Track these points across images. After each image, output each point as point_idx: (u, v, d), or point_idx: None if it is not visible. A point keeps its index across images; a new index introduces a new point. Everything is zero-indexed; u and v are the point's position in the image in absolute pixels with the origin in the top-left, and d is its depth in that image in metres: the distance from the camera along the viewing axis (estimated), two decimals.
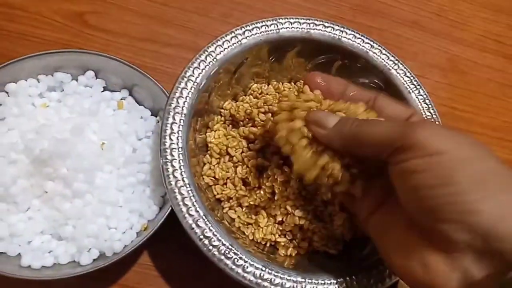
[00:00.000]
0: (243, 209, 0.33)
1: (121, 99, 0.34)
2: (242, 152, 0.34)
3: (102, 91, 0.33)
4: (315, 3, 0.47)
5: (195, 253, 0.33)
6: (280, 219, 0.32)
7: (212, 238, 0.28)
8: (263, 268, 0.27)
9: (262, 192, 0.32)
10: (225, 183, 0.33)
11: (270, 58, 0.37)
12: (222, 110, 0.36)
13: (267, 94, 0.37)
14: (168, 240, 0.33)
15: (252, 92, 0.37)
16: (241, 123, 0.35)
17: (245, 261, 0.27)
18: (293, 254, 0.32)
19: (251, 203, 0.33)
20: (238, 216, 0.33)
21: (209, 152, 0.34)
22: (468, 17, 0.52)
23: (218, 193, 0.33)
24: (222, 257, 0.27)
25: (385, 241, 0.25)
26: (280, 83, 0.38)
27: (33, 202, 0.29)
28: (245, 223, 0.33)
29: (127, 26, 0.41)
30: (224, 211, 0.33)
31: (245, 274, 0.27)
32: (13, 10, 0.40)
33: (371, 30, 0.47)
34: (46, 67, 0.32)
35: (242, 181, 0.33)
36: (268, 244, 0.33)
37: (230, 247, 0.28)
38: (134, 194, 0.31)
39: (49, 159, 0.28)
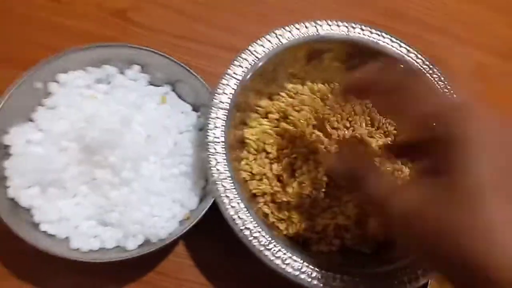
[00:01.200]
0: (276, 205, 0.34)
1: (164, 94, 0.35)
2: (278, 149, 0.35)
3: (146, 86, 0.35)
4: (349, 7, 0.48)
5: (230, 246, 0.34)
6: (313, 216, 0.33)
7: (253, 229, 0.29)
8: (301, 261, 0.28)
9: (295, 189, 0.33)
10: (261, 179, 0.34)
11: (307, 59, 0.38)
12: (258, 108, 0.37)
13: (302, 94, 0.38)
14: (203, 232, 0.34)
15: (287, 92, 0.38)
16: (276, 121, 0.37)
17: (284, 253, 0.28)
18: (325, 250, 0.33)
19: (284, 199, 0.34)
20: (272, 212, 0.34)
21: (246, 148, 0.35)
22: (490, 23, 0.52)
23: (254, 188, 0.34)
24: (262, 248, 0.28)
25: None
26: (315, 84, 0.39)
27: (81, 188, 0.30)
28: (279, 219, 0.34)
29: (167, 23, 0.43)
30: (258, 206, 0.34)
31: (284, 266, 0.28)
32: (60, 4, 0.42)
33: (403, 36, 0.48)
34: (94, 59, 0.33)
35: (277, 178, 0.35)
36: (300, 240, 0.33)
37: (269, 239, 0.29)
38: (176, 185, 0.32)
39: (99, 148, 0.29)
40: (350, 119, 0.37)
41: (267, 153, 0.35)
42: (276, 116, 0.36)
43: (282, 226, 0.33)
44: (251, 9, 0.45)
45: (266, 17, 0.45)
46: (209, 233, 0.34)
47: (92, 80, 0.33)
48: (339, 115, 0.37)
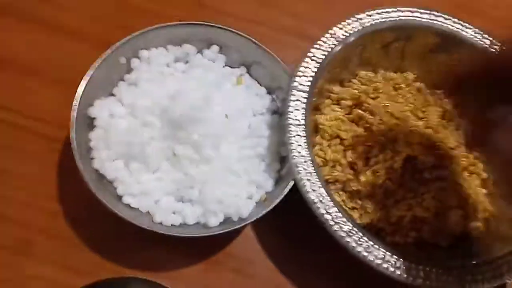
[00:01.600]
0: (347, 194, 0.34)
1: (240, 75, 0.35)
2: (353, 136, 0.34)
3: (223, 66, 0.35)
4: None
5: (300, 232, 0.34)
6: (388, 207, 0.33)
7: (335, 215, 0.28)
8: (384, 250, 0.28)
9: (368, 178, 0.33)
10: (334, 166, 0.34)
11: (383, 46, 0.37)
12: (331, 94, 0.37)
13: (376, 81, 0.37)
14: (274, 216, 0.34)
15: (360, 78, 0.38)
16: (349, 108, 0.36)
17: (367, 241, 0.28)
18: (400, 242, 0.32)
19: (355, 188, 0.33)
20: (343, 200, 0.33)
21: (320, 133, 0.35)
22: None
23: (326, 175, 0.33)
24: (344, 234, 0.28)
25: None
26: (388, 72, 0.38)
27: (163, 164, 0.30)
28: (352, 207, 0.33)
29: (239, 8, 0.43)
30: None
31: (367, 254, 0.27)
32: None
33: None
34: (174, 38, 0.34)
35: (350, 165, 0.34)
36: (374, 230, 0.33)
37: (351, 225, 0.28)
38: (252, 166, 0.32)
39: (183, 124, 0.29)
40: (423, 109, 0.36)
41: (341, 139, 0.34)
42: (349, 103, 0.36)
43: (355, 214, 0.33)
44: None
45: (335, 5, 0.45)
46: (277, 218, 0.34)
47: (172, 59, 0.33)
48: (411, 104, 0.36)
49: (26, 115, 0.36)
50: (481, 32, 0.36)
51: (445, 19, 0.35)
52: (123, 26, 0.39)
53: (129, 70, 0.32)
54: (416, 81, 0.38)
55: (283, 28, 0.42)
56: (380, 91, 0.36)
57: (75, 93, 0.34)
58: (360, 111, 0.34)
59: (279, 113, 0.34)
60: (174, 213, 0.30)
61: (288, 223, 0.34)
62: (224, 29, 0.34)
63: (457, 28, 0.35)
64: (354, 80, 0.37)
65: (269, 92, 0.35)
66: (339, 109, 0.36)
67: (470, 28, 0.36)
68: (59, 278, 0.32)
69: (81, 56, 0.38)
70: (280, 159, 0.33)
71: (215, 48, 0.34)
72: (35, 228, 0.33)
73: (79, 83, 0.32)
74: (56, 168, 0.35)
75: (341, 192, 0.34)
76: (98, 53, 0.38)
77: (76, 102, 0.29)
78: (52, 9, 0.40)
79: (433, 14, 0.35)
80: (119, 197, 0.30)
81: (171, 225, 0.29)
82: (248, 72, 0.35)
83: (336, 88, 0.37)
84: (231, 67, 0.35)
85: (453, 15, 0.36)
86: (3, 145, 0.35)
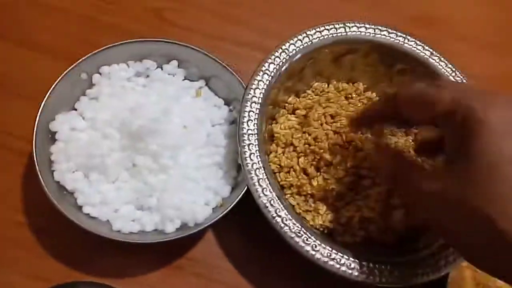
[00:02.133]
0: (301, 197, 0.36)
1: (199, 88, 0.37)
2: (305, 144, 0.36)
3: (183, 80, 0.37)
4: (377, 14, 0.49)
5: (257, 235, 0.36)
6: (338, 208, 0.35)
7: (284, 217, 0.30)
8: (330, 248, 0.30)
9: (320, 183, 0.35)
10: (288, 171, 0.36)
11: (334, 59, 0.39)
12: (286, 104, 0.39)
13: (328, 92, 0.40)
14: (231, 221, 0.36)
15: (314, 89, 0.40)
16: (302, 117, 0.38)
17: (314, 241, 0.30)
18: (350, 241, 0.34)
19: (309, 192, 0.35)
20: (298, 203, 0.35)
21: (275, 141, 0.37)
22: None
23: (282, 180, 0.35)
24: (293, 235, 0.30)
25: None
26: (340, 83, 0.41)
27: (122, 174, 0.32)
28: (305, 210, 0.35)
29: (201, 24, 0.45)
30: (285, 197, 0.36)
31: (314, 253, 0.29)
32: (101, 2, 0.44)
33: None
34: (135, 54, 0.35)
35: (303, 170, 0.36)
36: (325, 231, 0.35)
37: (300, 227, 0.30)
38: (210, 174, 0.33)
39: (142, 136, 0.31)
40: None
41: (295, 147, 0.36)
42: (303, 112, 0.38)
43: (308, 217, 0.35)
44: (282, 12, 0.47)
45: (294, 20, 0.47)
46: (237, 222, 0.36)
47: (133, 73, 0.35)
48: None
49: None
50: (422, 44, 0.39)
51: (389, 32, 0.38)
52: (86, 40, 0.41)
53: (91, 85, 0.34)
54: (366, 91, 0.41)
55: (244, 43, 0.45)
56: (331, 100, 0.38)
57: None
58: (311, 120, 0.37)
59: (236, 123, 0.36)
60: (133, 220, 0.31)
61: (247, 227, 0.36)
62: (183, 45, 0.36)
63: (398, 41, 0.38)
64: (308, 91, 0.40)
65: (226, 104, 0.37)
66: (294, 119, 0.38)
67: (412, 40, 0.38)
68: (26, 286, 0.33)
69: (46, 70, 0.39)
70: (237, 166, 0.35)
71: (174, 63, 0.36)
72: (1, 238, 0.34)
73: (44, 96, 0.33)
74: (21, 180, 0.36)
75: (296, 196, 0.36)
76: (63, 67, 0.39)
77: (38, 117, 0.30)
78: (17, 24, 0.41)
79: (378, 29, 0.38)
80: (80, 207, 0.31)
81: (130, 232, 0.30)
82: (207, 84, 0.37)
83: (291, 99, 0.39)
84: (190, 80, 0.37)
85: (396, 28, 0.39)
86: None
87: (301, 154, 0.36)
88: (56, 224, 0.33)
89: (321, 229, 0.35)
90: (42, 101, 0.31)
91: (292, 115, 0.39)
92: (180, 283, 0.35)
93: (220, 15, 0.46)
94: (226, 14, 0.46)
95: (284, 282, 0.35)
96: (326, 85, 0.40)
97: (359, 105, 0.39)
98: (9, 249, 0.34)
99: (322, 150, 0.35)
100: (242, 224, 0.36)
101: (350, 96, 0.40)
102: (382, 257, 0.32)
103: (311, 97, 0.39)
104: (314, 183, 0.35)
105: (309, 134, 0.36)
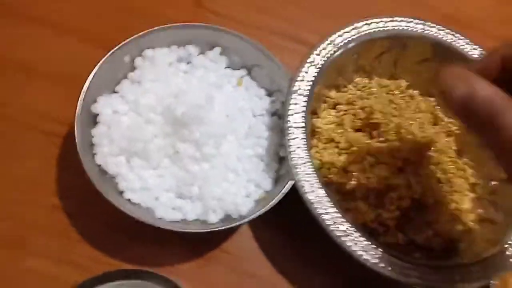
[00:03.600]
0: (342, 195, 0.35)
1: (240, 77, 0.36)
2: (347, 140, 0.35)
3: (225, 68, 0.35)
4: (411, 9, 0.48)
5: (296, 232, 0.35)
6: (379, 208, 0.34)
7: (333, 215, 0.29)
8: (381, 250, 0.29)
9: (361, 181, 0.34)
10: (329, 168, 0.35)
11: (378, 54, 0.38)
12: (327, 99, 0.38)
13: (370, 88, 0.39)
14: (270, 215, 0.35)
15: (355, 84, 0.39)
16: (344, 112, 0.37)
17: (363, 241, 0.29)
18: (392, 242, 0.33)
19: (350, 190, 0.34)
20: (338, 201, 0.34)
21: (316, 136, 0.36)
22: None
23: (323, 176, 0.34)
24: (341, 234, 0.29)
25: None
26: (382, 79, 0.39)
27: (164, 160, 0.31)
28: (345, 209, 0.34)
29: (237, 12, 0.44)
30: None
31: (363, 253, 0.28)
32: None
33: None
34: (178, 39, 0.34)
35: (344, 168, 0.35)
36: (367, 230, 0.34)
37: (348, 225, 0.29)
38: (251, 165, 0.32)
39: (186, 122, 0.30)
40: (416, 116, 0.38)
41: (336, 143, 0.35)
42: (344, 107, 0.37)
43: (348, 216, 0.34)
44: (320, 6, 0.46)
45: (329, 13, 0.46)
46: (274, 216, 0.35)
47: (175, 58, 0.34)
48: (404, 110, 0.38)
49: (27, 111, 0.36)
50: (471, 44, 0.37)
51: (438, 29, 0.37)
52: (124, 26, 0.40)
53: (132, 68, 0.33)
54: (408, 88, 0.40)
55: (279, 33, 0.44)
56: (375, 96, 0.37)
57: (76, 90, 0.35)
58: (353, 116, 0.36)
59: (278, 115, 0.35)
60: (173, 209, 0.31)
61: (285, 222, 0.35)
62: (227, 32, 0.35)
63: (449, 39, 0.37)
64: (349, 86, 0.39)
65: (268, 94, 0.36)
66: (335, 114, 0.37)
67: (462, 39, 0.37)
68: (55, 272, 0.32)
69: (81, 54, 0.39)
70: (279, 159, 0.34)
71: (217, 50, 0.35)
72: (31, 222, 0.33)
73: (82, 81, 0.32)
74: (55, 163, 0.35)
75: (336, 194, 0.35)
76: (98, 52, 0.38)
77: (81, 98, 0.29)
78: (55, 9, 0.40)
79: (427, 25, 0.37)
80: (120, 192, 0.30)
81: (172, 220, 0.29)
82: (248, 74, 0.36)
83: (333, 93, 0.38)
84: (232, 69, 0.36)
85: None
86: (4, 140, 0.35)
87: (342, 150, 0.35)
88: (92, 209, 0.33)
89: (362, 228, 0.34)
90: (79, 84, 0.30)
91: (333, 110, 0.38)
92: (214, 275, 0.34)
93: (257, 4, 0.44)
94: (263, 4, 0.44)
95: (322, 280, 0.34)
96: (368, 81, 0.39)
97: (401, 102, 0.38)
98: (42, 233, 0.33)
99: (364, 149, 0.34)
100: (280, 219, 0.35)
101: (392, 92, 0.39)
102: (425, 260, 0.31)
103: (352, 92, 0.38)
104: (355, 181, 0.34)
105: (353, 129, 0.35)
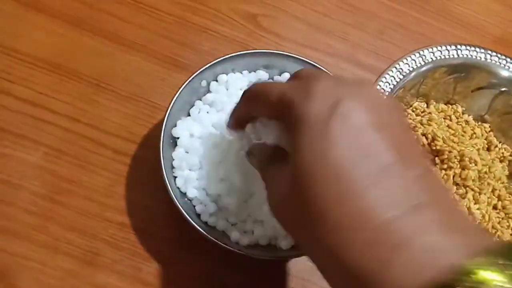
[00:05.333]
0: None
1: None
2: None
3: None
4: (462, 30, 0.49)
5: None
6: None
7: None
8: None
9: None
10: None
11: (439, 80, 0.39)
12: None
13: (429, 113, 0.39)
14: None
15: (414, 109, 0.40)
16: None
17: None
18: None
19: None
20: None
21: None
22: None
23: None
24: None
25: None
26: (439, 104, 0.40)
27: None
28: None
29: (293, 31, 0.44)
30: None
31: None
32: (194, 3, 0.43)
33: None
34: (249, 65, 0.35)
35: None
36: None
37: None
38: None
39: None
40: (473, 142, 0.39)
41: None
42: None
43: None
44: (370, 24, 0.46)
45: (384, 34, 0.46)
46: None
47: (246, 83, 0.35)
48: (460, 136, 0.38)
49: (95, 127, 0.37)
50: None
51: (499, 58, 0.38)
52: (183, 42, 0.41)
53: (207, 92, 0.34)
54: (464, 114, 0.40)
55: (338, 55, 0.44)
56: (434, 121, 0.38)
57: (142, 108, 0.37)
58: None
59: None
60: (245, 232, 0.31)
61: None
62: (296, 59, 0.35)
63: (510, 69, 0.37)
64: (408, 110, 0.40)
65: None
66: None
67: None
68: None
69: (147, 72, 0.40)
70: None
71: (286, 75, 0.36)
72: (102, 239, 0.34)
73: (146, 97, 0.35)
74: (124, 181, 0.36)
75: None
76: (165, 71, 0.40)
77: (165, 121, 0.30)
78: (126, 26, 0.41)
79: (488, 54, 0.38)
80: (198, 215, 0.31)
81: (247, 244, 0.30)
82: None
83: None
84: None
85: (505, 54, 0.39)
86: (73, 156, 0.36)
87: None
88: (163, 229, 0.34)
89: None
90: (168, 107, 0.31)
91: None
92: None
93: (311, 24, 0.45)
94: (316, 23, 0.45)
95: None
96: (426, 105, 0.40)
97: (458, 127, 0.39)
98: (110, 251, 0.34)
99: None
100: None
101: (449, 117, 0.40)
102: None
103: (412, 117, 0.39)
104: None
105: None
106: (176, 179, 0.31)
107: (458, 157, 0.35)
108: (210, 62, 0.33)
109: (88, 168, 0.36)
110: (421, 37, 0.46)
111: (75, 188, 0.35)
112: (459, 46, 0.37)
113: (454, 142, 0.36)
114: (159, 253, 0.34)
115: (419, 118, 0.39)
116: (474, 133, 0.39)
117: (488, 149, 0.40)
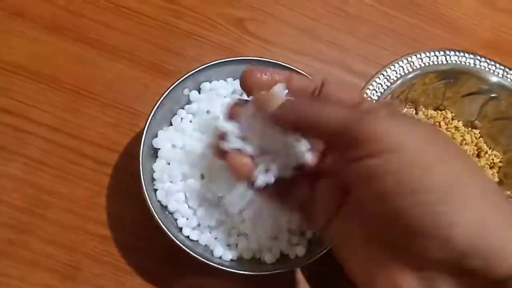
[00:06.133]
0: None
1: None
2: None
3: None
4: (453, 34, 0.48)
5: None
6: None
7: None
8: None
9: None
10: None
11: (428, 86, 0.38)
12: None
13: (418, 119, 0.39)
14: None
15: None
16: None
17: None
18: None
19: None
20: None
21: None
22: None
23: None
24: None
25: (347, 254, 0.21)
26: (427, 109, 0.40)
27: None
28: None
29: (281, 36, 0.43)
30: None
31: None
32: (179, 7, 0.42)
33: None
34: (233, 71, 0.34)
35: None
36: None
37: None
38: None
39: None
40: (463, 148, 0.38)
41: None
42: None
43: None
44: (361, 29, 0.46)
45: (375, 38, 0.45)
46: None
47: (231, 91, 0.34)
48: None
49: (76, 136, 0.36)
50: None
51: (488, 64, 0.37)
52: (167, 47, 0.40)
53: (189, 101, 0.33)
54: (454, 119, 0.40)
55: (328, 60, 0.43)
56: None
57: (124, 117, 0.36)
58: None
59: None
60: (229, 245, 0.30)
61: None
62: (283, 66, 0.34)
63: (500, 75, 0.37)
64: None
65: None
66: None
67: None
68: None
69: (129, 79, 0.39)
70: None
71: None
72: (83, 252, 0.33)
73: (129, 106, 0.33)
74: (105, 192, 0.35)
75: None
76: (148, 77, 0.38)
77: (144, 132, 0.29)
78: (104, 32, 0.40)
79: (477, 59, 0.37)
80: (180, 229, 0.30)
81: (230, 259, 0.29)
82: None
83: None
84: None
85: (494, 59, 0.38)
86: (53, 166, 0.35)
87: None
88: (146, 242, 0.33)
89: None
90: (148, 117, 0.30)
91: None
92: None
93: (299, 29, 0.44)
94: (306, 28, 0.44)
95: None
96: (415, 112, 0.39)
97: (447, 133, 0.38)
98: (91, 264, 0.33)
99: None
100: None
101: (439, 124, 0.39)
102: None
103: None
104: None
105: None
106: (157, 191, 0.30)
107: None
108: (195, 68, 0.32)
109: (69, 179, 0.35)
110: (413, 41, 0.46)
111: (55, 200, 0.34)
112: (447, 52, 0.36)
113: None
114: (142, 267, 0.33)
115: None
116: (464, 139, 0.39)
117: (478, 156, 0.40)
